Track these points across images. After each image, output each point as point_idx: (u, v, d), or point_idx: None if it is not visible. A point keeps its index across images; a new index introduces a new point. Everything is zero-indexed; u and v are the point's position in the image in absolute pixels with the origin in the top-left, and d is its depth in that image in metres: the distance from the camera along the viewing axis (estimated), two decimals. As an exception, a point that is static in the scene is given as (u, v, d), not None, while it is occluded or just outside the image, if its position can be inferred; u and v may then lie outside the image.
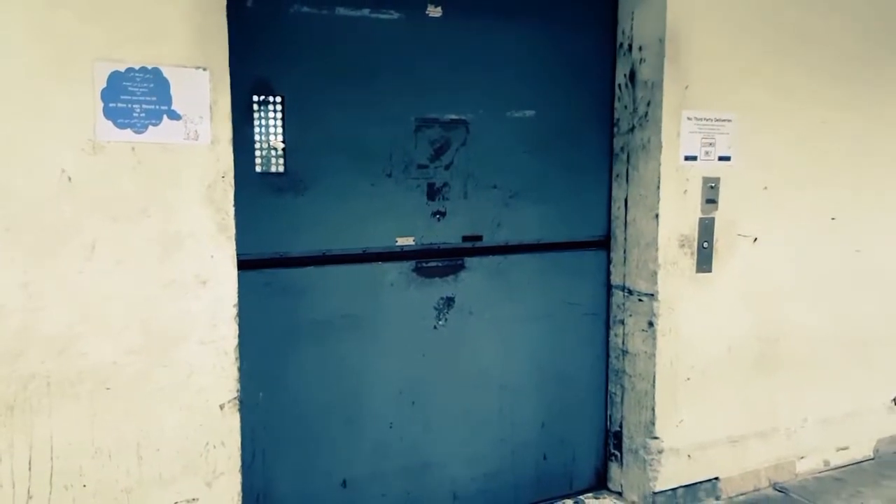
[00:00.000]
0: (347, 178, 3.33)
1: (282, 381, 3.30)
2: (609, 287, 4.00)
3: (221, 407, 2.88)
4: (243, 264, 3.03)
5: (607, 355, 4.04)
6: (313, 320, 3.34)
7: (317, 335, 3.35)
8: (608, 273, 4.00)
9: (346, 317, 3.41)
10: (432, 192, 3.52)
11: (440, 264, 3.61)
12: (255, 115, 3.14)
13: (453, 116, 3.53)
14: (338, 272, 3.41)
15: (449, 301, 3.64)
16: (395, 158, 3.42)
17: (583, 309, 3.97)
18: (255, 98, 3.13)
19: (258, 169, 3.17)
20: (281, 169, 3.21)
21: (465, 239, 3.63)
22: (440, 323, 3.63)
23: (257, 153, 3.16)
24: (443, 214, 3.56)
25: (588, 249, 3.99)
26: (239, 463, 2.95)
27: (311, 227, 3.29)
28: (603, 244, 3.98)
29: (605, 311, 4.02)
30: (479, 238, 3.66)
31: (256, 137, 3.15)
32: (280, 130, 3.19)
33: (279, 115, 3.18)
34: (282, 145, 3.19)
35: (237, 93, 2.92)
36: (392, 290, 3.51)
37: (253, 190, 3.13)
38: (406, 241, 3.50)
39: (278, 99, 3.17)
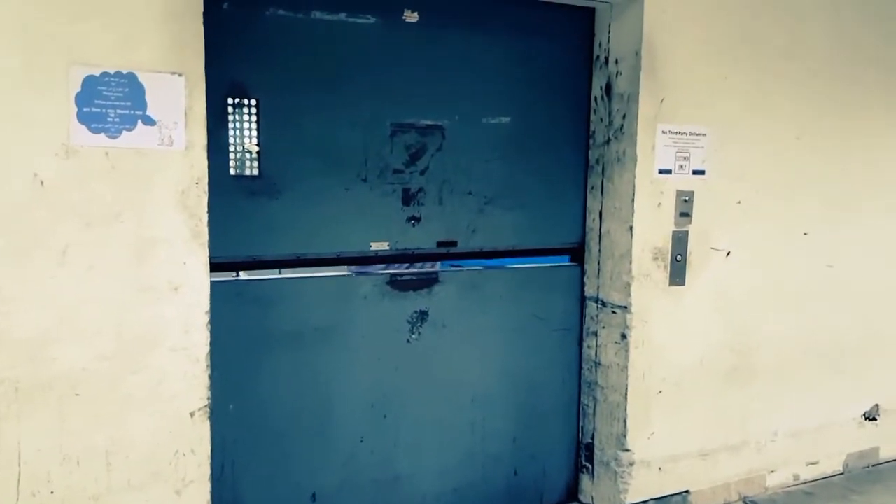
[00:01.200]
0: (322, 181, 3.33)
1: (253, 393, 3.29)
2: (583, 302, 4.02)
3: (192, 414, 2.86)
4: (217, 267, 3.02)
5: (580, 370, 4.05)
6: (286, 331, 3.33)
7: (289, 347, 3.35)
8: (582, 288, 4.01)
9: (318, 329, 3.41)
10: (407, 198, 3.52)
11: (414, 278, 3.62)
12: (230, 118, 3.14)
13: (429, 122, 3.53)
14: (312, 284, 3.41)
15: (422, 314, 3.64)
16: (370, 163, 3.42)
17: (556, 324, 3.98)
18: (230, 101, 3.13)
19: (232, 172, 3.16)
20: (255, 172, 3.20)
21: (439, 244, 3.63)
22: (413, 336, 3.63)
23: (231, 156, 3.15)
24: (418, 220, 3.56)
25: (562, 264, 4.02)
26: (209, 471, 2.93)
27: (285, 231, 3.28)
28: (577, 256, 4.00)
29: (578, 326, 4.03)
30: (454, 244, 3.66)
31: (231, 140, 3.15)
32: (255, 134, 3.19)
33: (254, 118, 3.17)
34: (256, 148, 3.19)
35: (212, 96, 2.90)
36: (365, 303, 3.51)
37: (227, 193, 3.12)
38: (381, 246, 3.50)
39: (253, 102, 3.16)
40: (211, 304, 2.89)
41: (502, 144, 3.71)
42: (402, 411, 3.63)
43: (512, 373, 3.89)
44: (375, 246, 3.49)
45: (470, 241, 3.70)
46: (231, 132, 3.15)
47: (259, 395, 3.30)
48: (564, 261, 4.04)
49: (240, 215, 3.17)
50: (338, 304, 3.45)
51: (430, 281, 3.65)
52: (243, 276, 3.32)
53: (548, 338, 3.97)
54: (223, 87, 3.08)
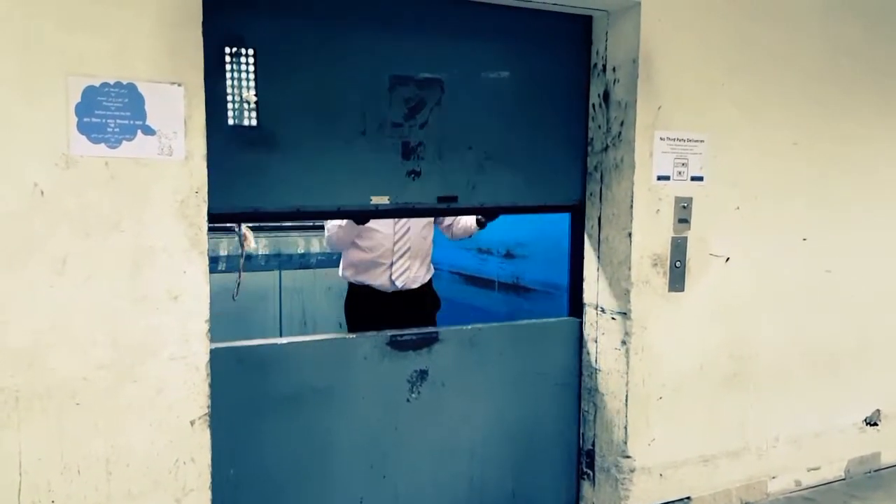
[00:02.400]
0: (321, 134, 3.29)
1: (253, 457, 3.28)
2: (580, 356, 4.03)
3: (192, 423, 2.87)
4: (215, 218, 2.97)
5: (579, 424, 4.05)
6: (286, 395, 3.33)
7: (289, 410, 3.35)
8: (580, 341, 4.02)
9: (319, 391, 3.40)
10: (407, 152, 3.48)
11: (414, 337, 3.61)
12: (228, 66, 3.08)
13: (427, 75, 3.50)
14: (313, 347, 3.44)
15: (422, 373, 3.63)
16: (368, 116, 3.38)
17: (555, 378, 3.98)
18: (228, 50, 3.07)
19: (230, 122, 3.11)
20: (254, 122, 3.16)
21: (440, 200, 3.59)
22: (413, 395, 3.63)
23: (229, 105, 3.10)
24: (418, 174, 3.52)
25: (561, 319, 4.07)
26: (209, 480, 2.93)
27: (284, 183, 3.24)
28: (578, 214, 3.98)
29: (577, 381, 4.03)
30: (455, 199, 3.62)
31: (228, 90, 3.10)
32: (252, 84, 3.14)
33: (251, 68, 3.13)
34: (254, 98, 3.14)
35: (209, 42, 2.84)
36: (366, 363, 3.51)
37: (225, 143, 3.06)
38: (381, 201, 3.46)
39: (251, 52, 3.11)
40: (211, 370, 2.90)
41: (502, 99, 3.68)
42: (401, 470, 3.62)
43: (511, 428, 3.88)
44: (376, 200, 3.44)
45: (470, 196, 3.66)
46: (228, 81, 3.09)
47: (259, 459, 3.29)
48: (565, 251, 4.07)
49: (238, 166, 3.13)
50: (338, 366, 3.46)
51: (430, 340, 3.65)
52: (244, 342, 3.31)
53: (547, 393, 3.97)
54: (220, 34, 3.02)
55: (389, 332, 3.59)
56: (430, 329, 3.74)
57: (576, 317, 4.04)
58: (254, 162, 3.18)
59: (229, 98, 3.12)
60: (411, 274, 4.23)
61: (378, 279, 4.23)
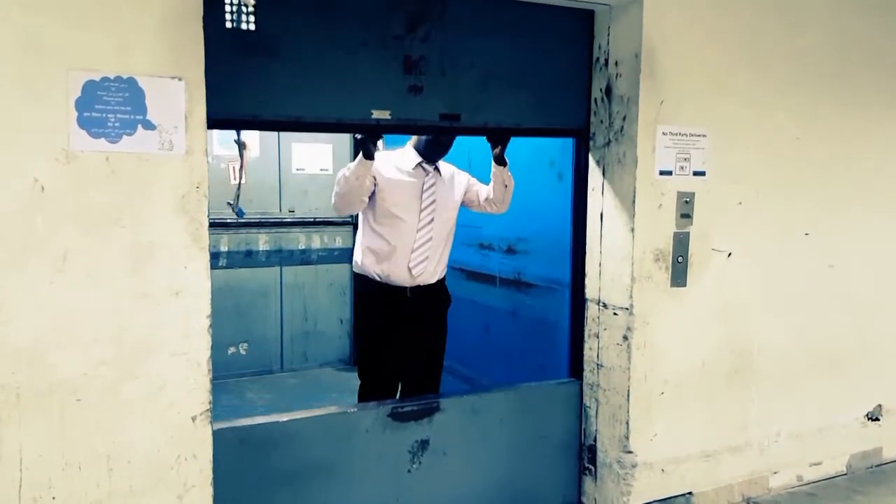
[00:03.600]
0: (321, 43, 3.24)
1: None
2: (581, 415, 4.04)
3: (193, 419, 2.86)
4: (215, 124, 2.93)
5: (579, 491, 4.07)
6: (288, 472, 3.32)
7: (292, 486, 3.34)
8: (580, 403, 4.03)
9: (321, 467, 3.40)
10: (409, 66, 3.42)
11: (415, 408, 3.61)
12: None
13: None
14: (315, 422, 3.42)
15: (423, 443, 3.63)
16: (370, 27, 3.33)
17: (556, 440, 4.00)
18: None
19: (228, 25, 3.04)
20: (252, 27, 3.09)
21: (442, 117, 3.54)
22: (414, 466, 3.62)
23: (227, 7, 3.03)
24: (419, 89, 3.46)
25: (562, 382, 4.07)
26: (210, 476, 2.93)
27: (283, 91, 3.18)
28: (582, 137, 3.94)
29: (577, 442, 4.06)
30: (457, 117, 3.57)
31: None
32: None
33: None
34: (252, 1, 3.04)
35: None
36: (367, 436, 3.51)
37: (223, 47, 2.99)
38: (382, 115, 3.39)
39: None
40: (214, 451, 2.91)
41: (504, 21, 3.63)
42: (403, 540, 3.64)
43: (512, 493, 3.88)
44: (377, 114, 3.38)
45: (473, 115, 3.61)
46: None
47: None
48: (567, 211, 4.04)
49: (237, 72, 3.07)
50: (340, 441, 3.45)
51: (431, 410, 3.65)
52: (246, 421, 3.31)
53: (548, 456, 3.99)
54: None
55: (391, 404, 3.61)
56: (432, 399, 3.73)
57: (576, 378, 4.07)
58: (253, 68, 3.11)
59: (227, 0, 3.03)
60: (430, 266, 4.04)
61: (396, 269, 4.00)
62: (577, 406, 4.04)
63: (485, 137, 4.04)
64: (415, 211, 3.99)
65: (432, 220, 4.02)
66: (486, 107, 3.64)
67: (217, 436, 2.95)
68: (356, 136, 3.92)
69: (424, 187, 4.01)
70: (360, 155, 3.71)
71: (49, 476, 2.66)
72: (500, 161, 4.07)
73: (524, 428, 3.91)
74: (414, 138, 4.08)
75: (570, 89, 3.87)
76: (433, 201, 4.02)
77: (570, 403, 4.04)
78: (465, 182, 4.25)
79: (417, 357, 4.17)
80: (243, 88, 3.10)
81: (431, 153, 4.04)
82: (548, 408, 4.00)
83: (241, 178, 3.90)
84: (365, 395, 4.12)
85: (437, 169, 4.10)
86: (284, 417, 3.38)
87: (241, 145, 3.84)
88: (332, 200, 3.90)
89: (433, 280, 4.10)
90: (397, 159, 4.04)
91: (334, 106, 3.31)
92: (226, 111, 3.03)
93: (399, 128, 3.54)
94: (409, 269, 3.98)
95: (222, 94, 2.96)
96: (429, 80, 3.49)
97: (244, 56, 3.10)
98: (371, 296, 4.10)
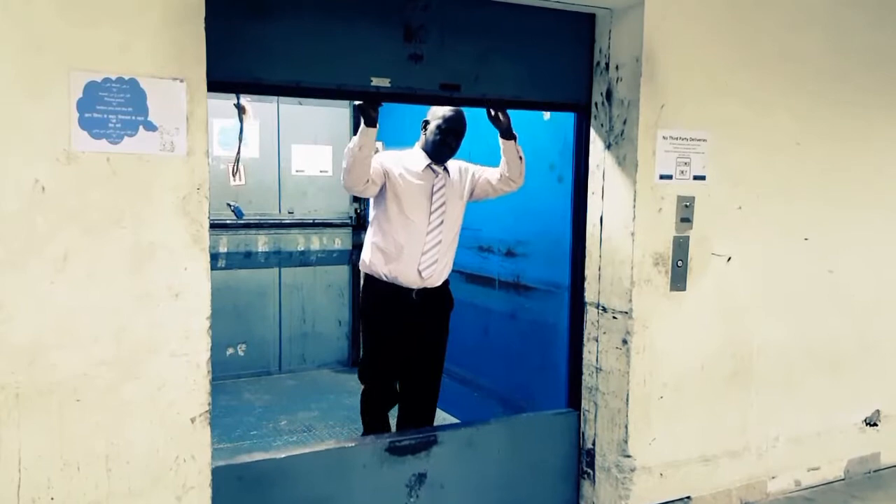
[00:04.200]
0: (322, 8, 3.22)
1: None
2: (580, 448, 4.05)
3: (192, 420, 2.86)
4: (214, 86, 2.90)
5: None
6: None
7: None
8: (579, 436, 4.05)
9: (318, 503, 3.41)
10: (409, 34, 3.40)
11: (413, 441, 3.61)
12: None
13: None
14: (313, 458, 3.42)
15: (421, 477, 3.63)
16: None
17: (553, 473, 4.01)
18: None
19: None
20: None
21: (442, 87, 3.53)
22: (411, 500, 3.63)
23: None
24: (420, 58, 3.45)
25: (559, 412, 4.09)
26: (209, 477, 2.92)
27: (284, 55, 3.16)
28: (585, 112, 3.92)
29: (575, 473, 4.06)
30: (457, 87, 3.55)
31: None
32: None
33: None
34: None
35: None
36: (365, 471, 3.51)
37: (224, 8, 2.96)
38: (382, 83, 3.37)
39: None
40: (212, 489, 2.91)
41: None
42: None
43: None
44: (377, 82, 3.36)
45: (474, 86, 3.59)
46: None
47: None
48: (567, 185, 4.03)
49: (237, 35, 3.04)
50: (337, 476, 3.45)
51: (428, 443, 3.65)
52: (244, 458, 3.32)
53: (546, 487, 3.99)
54: None
55: (388, 438, 3.62)
56: (429, 432, 3.74)
57: (573, 408, 4.08)
58: (253, 32, 3.09)
59: None
60: (439, 268, 4.03)
61: (405, 271, 3.98)
62: (575, 437, 4.06)
63: (489, 120, 3.99)
64: (424, 214, 3.99)
65: (442, 222, 4.01)
66: (486, 78, 3.62)
67: (215, 474, 2.95)
68: (355, 103, 3.90)
69: (434, 189, 4.00)
70: (362, 124, 3.66)
71: (48, 476, 2.66)
72: (509, 135, 4.00)
73: (522, 460, 3.91)
74: (422, 139, 4.08)
75: (572, 63, 3.85)
76: (443, 203, 4.01)
77: (567, 434, 4.06)
78: (470, 175, 4.21)
79: (420, 358, 4.17)
80: (243, 50, 3.07)
81: (439, 154, 4.04)
82: (545, 439, 4.02)
83: (240, 143, 3.89)
84: (368, 397, 4.12)
85: (445, 170, 4.08)
86: (282, 454, 3.38)
87: (241, 109, 3.83)
88: (341, 177, 3.83)
89: (440, 282, 4.11)
90: (406, 160, 4.04)
91: (334, 72, 3.29)
92: (226, 73, 3.00)
93: (398, 96, 3.49)
94: (420, 273, 3.97)
95: (222, 54, 2.93)
96: (429, 49, 3.47)
97: (244, 18, 3.07)
98: (377, 295, 4.09)
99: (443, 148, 4.02)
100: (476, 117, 4.11)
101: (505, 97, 3.73)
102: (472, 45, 3.57)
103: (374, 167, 3.86)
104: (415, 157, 4.05)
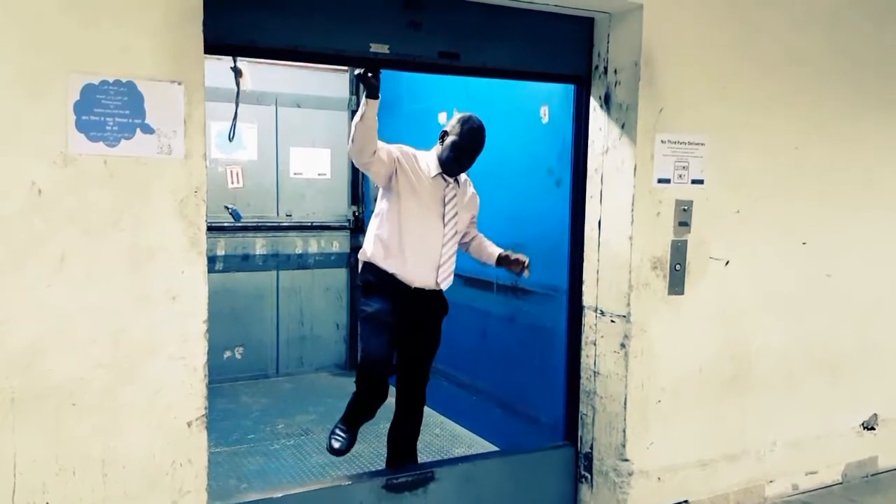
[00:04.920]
0: None
1: None
2: (577, 481, 4.06)
3: (189, 424, 2.85)
4: (212, 49, 2.88)
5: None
6: None
7: None
8: (576, 467, 4.06)
9: None
10: (409, 0, 3.38)
11: (410, 478, 3.59)
12: None
13: None
14: (310, 497, 3.41)
15: None
16: None
17: None
18: None
19: None
20: None
21: (441, 55, 3.50)
22: None
23: None
24: (418, 25, 3.41)
25: (556, 446, 4.10)
26: (206, 482, 2.91)
27: (281, 18, 3.13)
28: (584, 83, 3.90)
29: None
30: (457, 56, 3.52)
31: None
32: None
33: None
34: None
35: None
36: None
37: None
38: (381, 49, 3.34)
39: None
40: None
41: None
42: None
43: None
44: (375, 48, 3.33)
45: (473, 56, 3.56)
46: None
47: None
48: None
49: None
50: None
51: (425, 480, 3.64)
52: (241, 498, 3.33)
53: None
54: None
55: (385, 476, 3.60)
56: (426, 469, 3.72)
57: (569, 442, 4.09)
58: None
59: None
60: (449, 271, 3.90)
61: (411, 269, 3.80)
62: (572, 470, 4.07)
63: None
64: (438, 226, 3.84)
65: (455, 233, 3.90)
66: (486, 48, 3.59)
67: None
68: (356, 72, 3.71)
69: (446, 199, 3.85)
70: (364, 96, 3.50)
71: (43, 481, 2.65)
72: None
73: (519, 494, 3.91)
74: (438, 146, 3.87)
75: (572, 34, 3.83)
76: (455, 214, 3.88)
77: (564, 468, 4.06)
78: (474, 207, 4.09)
79: (414, 356, 4.02)
80: (240, 12, 3.05)
81: (451, 170, 3.85)
82: (542, 473, 4.02)
83: (237, 107, 3.89)
84: (362, 387, 3.95)
85: (455, 181, 3.93)
86: (279, 493, 3.36)
87: (238, 72, 3.82)
88: (348, 148, 3.73)
89: (445, 286, 3.96)
90: (421, 160, 3.88)
91: (333, 37, 3.27)
92: (222, 36, 2.98)
93: (397, 63, 3.47)
94: (437, 283, 3.85)
95: (218, 16, 2.90)
96: (429, 16, 3.44)
97: None
98: (377, 276, 3.88)
99: (455, 166, 3.84)
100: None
101: (504, 67, 3.70)
102: (472, 14, 3.53)
103: (388, 150, 3.74)
104: (429, 162, 3.87)
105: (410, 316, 3.88)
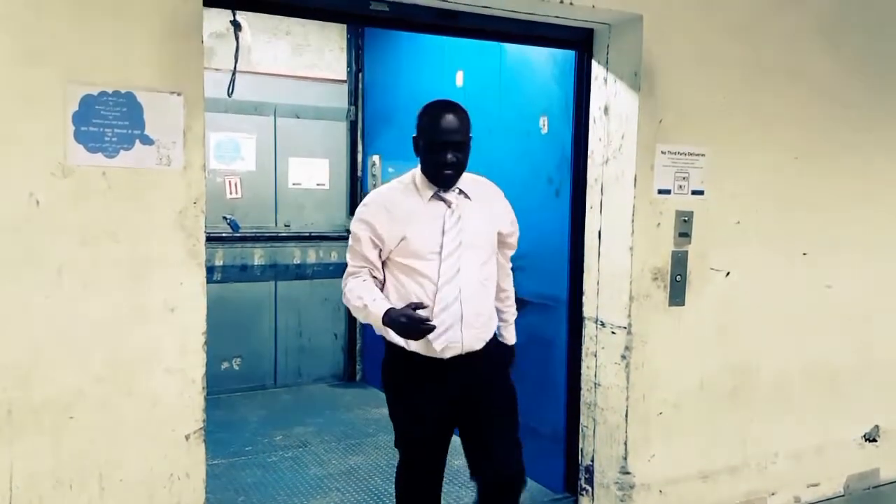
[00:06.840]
0: None
1: None
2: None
3: (187, 437, 2.83)
4: (209, 1, 2.83)
5: None
6: None
7: None
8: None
9: None
10: None
11: None
12: None
13: None
14: None
15: None
16: None
17: None
18: None
19: None
20: None
21: (439, 14, 3.39)
22: None
23: None
24: None
25: (555, 501, 4.08)
26: (204, 495, 2.89)
27: None
28: (586, 49, 3.85)
29: None
30: (455, 16, 3.41)
31: None
32: None
33: None
34: None
35: None
36: None
37: None
38: (380, 7, 3.22)
39: None
40: None
41: None
42: None
43: None
44: (375, 6, 3.24)
45: (472, 17, 3.46)
46: None
47: None
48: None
49: None
50: None
51: None
52: None
53: None
54: None
55: None
56: None
57: (570, 493, 4.06)
58: None
59: None
60: (471, 332, 3.02)
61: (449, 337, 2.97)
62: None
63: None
64: (434, 262, 2.96)
65: (458, 270, 2.96)
66: (485, 7, 3.41)
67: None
68: (401, 319, 2.82)
69: (445, 227, 2.96)
70: (385, 324, 2.86)
71: (40, 495, 2.63)
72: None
73: None
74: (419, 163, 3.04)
75: None
76: (458, 244, 2.97)
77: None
78: (503, 223, 3.22)
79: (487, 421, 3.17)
80: None
81: (442, 177, 2.96)
82: None
83: (236, 61, 3.87)
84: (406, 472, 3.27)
85: (461, 192, 3.03)
86: None
87: (237, 26, 3.82)
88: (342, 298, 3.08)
89: (482, 343, 3.09)
90: (400, 193, 3.06)
91: None
92: None
93: (395, 21, 3.40)
94: (468, 344, 3.00)
95: None
96: None
97: None
98: (405, 366, 3.07)
99: (443, 170, 2.93)
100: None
101: (504, 29, 3.64)
102: None
103: (365, 254, 3.02)
104: (418, 184, 3.03)
105: (458, 392, 3.06)
